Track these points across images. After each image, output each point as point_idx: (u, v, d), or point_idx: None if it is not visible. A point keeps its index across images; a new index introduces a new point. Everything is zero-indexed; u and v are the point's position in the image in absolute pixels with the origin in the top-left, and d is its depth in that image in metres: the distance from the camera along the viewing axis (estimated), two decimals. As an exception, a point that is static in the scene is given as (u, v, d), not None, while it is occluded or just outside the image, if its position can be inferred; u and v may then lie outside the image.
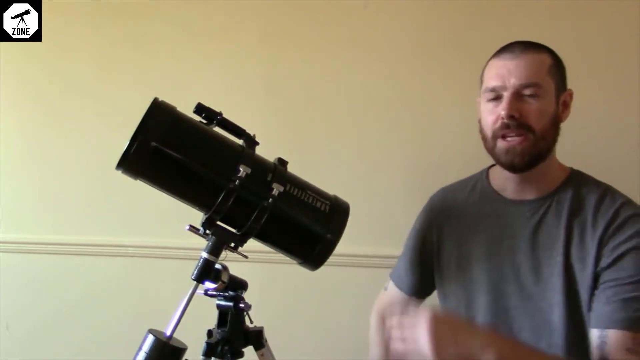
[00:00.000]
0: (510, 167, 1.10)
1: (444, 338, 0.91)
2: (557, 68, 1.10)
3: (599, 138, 1.53)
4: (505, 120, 1.05)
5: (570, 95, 1.13)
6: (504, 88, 1.06)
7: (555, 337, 1.07)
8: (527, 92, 1.05)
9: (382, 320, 1.35)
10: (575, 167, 1.16)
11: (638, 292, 0.99)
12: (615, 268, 1.02)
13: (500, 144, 1.08)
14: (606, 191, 1.09)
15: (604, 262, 1.03)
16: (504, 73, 1.06)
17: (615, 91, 1.52)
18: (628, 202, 1.08)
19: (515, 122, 1.05)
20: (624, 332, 0.97)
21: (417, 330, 0.92)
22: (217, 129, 1.05)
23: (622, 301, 0.99)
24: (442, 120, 1.63)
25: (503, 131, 1.06)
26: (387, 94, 1.69)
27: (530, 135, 1.05)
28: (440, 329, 0.92)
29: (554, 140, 1.10)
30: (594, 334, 1.01)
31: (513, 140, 1.06)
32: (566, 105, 1.12)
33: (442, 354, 0.90)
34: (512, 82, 1.05)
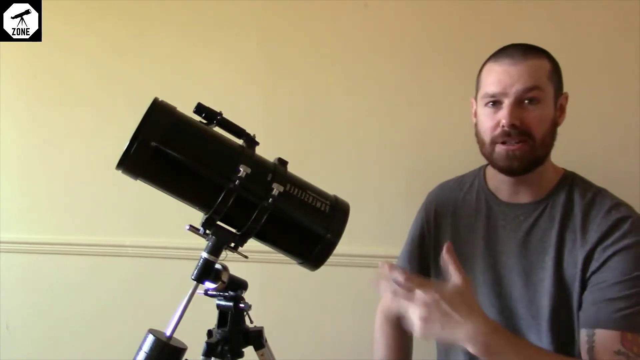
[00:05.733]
0: (508, 172, 1.10)
1: (433, 320, 0.87)
2: (555, 72, 1.09)
3: (599, 139, 1.52)
4: (507, 129, 1.05)
5: (566, 98, 1.12)
6: (505, 95, 1.05)
7: (543, 341, 1.07)
8: (528, 99, 1.05)
9: (387, 320, 1.36)
10: (575, 169, 1.16)
11: (624, 292, 0.99)
12: (603, 270, 1.02)
13: (499, 148, 1.08)
14: (595, 195, 1.09)
15: (593, 265, 1.03)
16: (505, 79, 1.05)
17: (615, 92, 1.52)
18: (617, 204, 1.07)
19: (517, 130, 1.05)
20: (610, 332, 0.98)
21: (414, 301, 0.88)
22: (217, 129, 1.05)
23: (609, 301, 1.00)
24: (442, 120, 1.63)
25: (503, 138, 1.06)
26: (387, 93, 1.68)
27: (530, 142, 1.05)
28: (432, 311, 0.87)
29: (552, 145, 1.10)
30: (582, 334, 1.01)
31: (513, 146, 1.06)
32: (562, 109, 1.12)
33: (426, 335, 0.88)
34: (514, 89, 1.04)
